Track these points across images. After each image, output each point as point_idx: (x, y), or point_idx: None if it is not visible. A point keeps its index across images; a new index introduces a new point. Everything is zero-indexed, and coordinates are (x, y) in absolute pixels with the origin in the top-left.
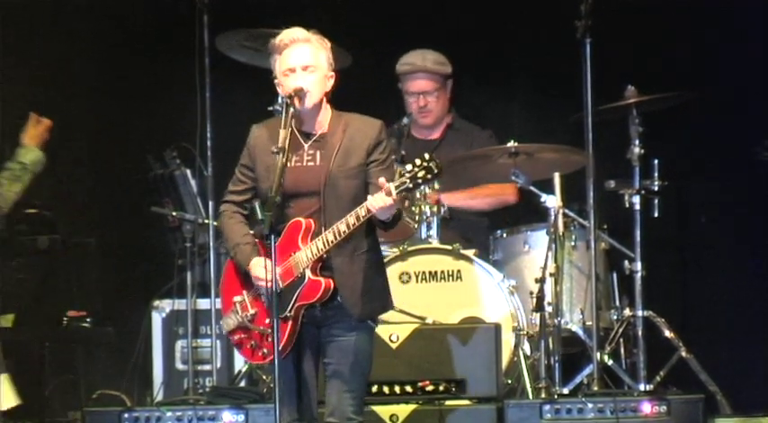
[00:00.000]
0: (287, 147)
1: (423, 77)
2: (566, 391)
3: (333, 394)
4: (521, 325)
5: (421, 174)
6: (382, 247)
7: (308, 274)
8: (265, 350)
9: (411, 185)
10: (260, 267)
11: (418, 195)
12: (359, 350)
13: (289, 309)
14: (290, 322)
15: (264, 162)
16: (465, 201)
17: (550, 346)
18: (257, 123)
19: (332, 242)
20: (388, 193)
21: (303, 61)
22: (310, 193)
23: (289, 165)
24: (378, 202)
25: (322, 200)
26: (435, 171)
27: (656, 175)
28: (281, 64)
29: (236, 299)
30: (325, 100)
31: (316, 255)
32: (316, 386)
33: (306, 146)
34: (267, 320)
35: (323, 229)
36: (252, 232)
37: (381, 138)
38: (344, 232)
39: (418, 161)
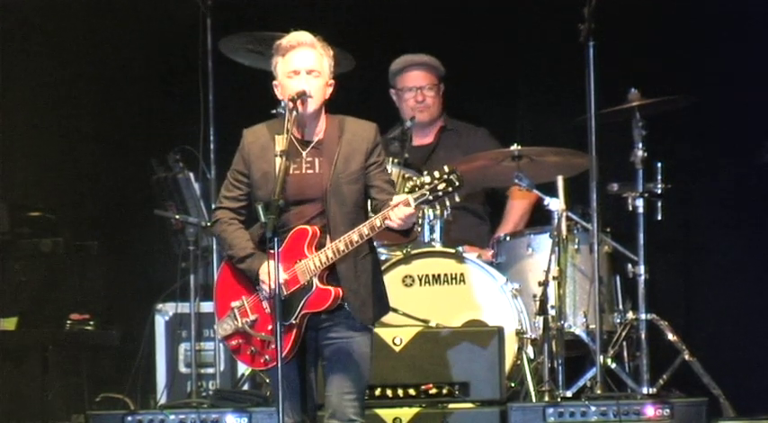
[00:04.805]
0: (288, 150)
1: (421, 69)
2: (569, 394)
3: (333, 396)
4: (524, 328)
5: (441, 186)
6: (385, 250)
7: (316, 282)
8: (267, 357)
9: (431, 198)
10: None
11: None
12: (358, 352)
13: (294, 316)
14: (294, 329)
15: (261, 168)
16: (515, 226)
17: (553, 349)
18: (248, 128)
19: (342, 251)
20: (407, 205)
21: (308, 65)
22: (312, 200)
23: (288, 172)
24: (399, 214)
25: (326, 206)
26: (457, 184)
27: (659, 177)
28: (284, 66)
29: (235, 304)
30: (323, 107)
31: (324, 263)
32: (315, 388)
33: (304, 153)
34: (269, 327)
35: (327, 235)
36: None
37: (378, 140)
38: (357, 242)
39: (437, 173)
